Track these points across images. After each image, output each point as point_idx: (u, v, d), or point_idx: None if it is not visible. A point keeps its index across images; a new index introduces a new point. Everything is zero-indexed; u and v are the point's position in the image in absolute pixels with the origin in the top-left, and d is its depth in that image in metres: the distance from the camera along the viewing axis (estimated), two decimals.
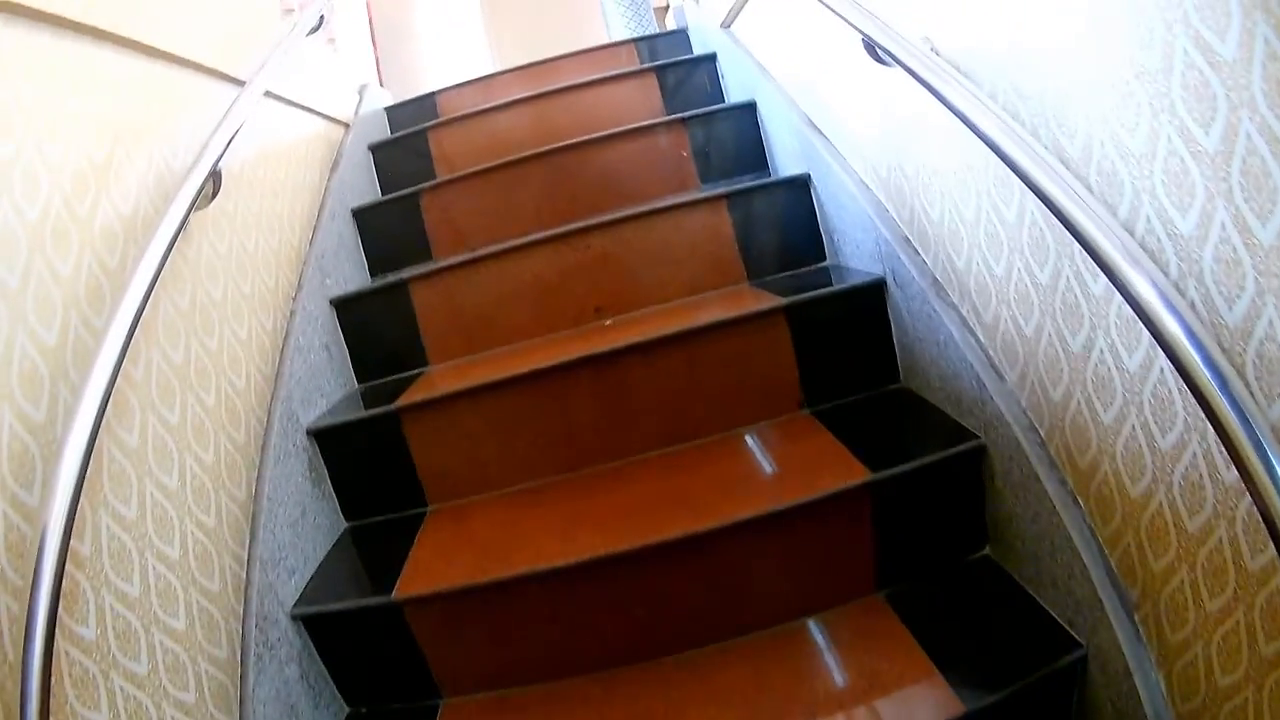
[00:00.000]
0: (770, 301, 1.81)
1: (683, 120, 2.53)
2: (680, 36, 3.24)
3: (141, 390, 1.23)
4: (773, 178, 2.33)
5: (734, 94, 2.76)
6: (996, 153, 1.02)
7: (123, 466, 1.14)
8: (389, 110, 3.22)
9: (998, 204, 1.25)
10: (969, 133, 1.07)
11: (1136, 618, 1.13)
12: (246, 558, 1.41)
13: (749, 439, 1.75)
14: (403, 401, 1.76)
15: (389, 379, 2.13)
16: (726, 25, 2.72)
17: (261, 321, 1.71)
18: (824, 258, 2.14)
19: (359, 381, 2.13)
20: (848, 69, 1.74)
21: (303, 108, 2.34)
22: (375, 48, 5.87)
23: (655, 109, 2.86)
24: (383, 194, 2.79)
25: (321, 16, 2.30)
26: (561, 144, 2.48)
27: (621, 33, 5.80)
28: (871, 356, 1.80)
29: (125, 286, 1.12)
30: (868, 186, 1.80)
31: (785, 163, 2.36)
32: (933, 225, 1.51)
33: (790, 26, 2.12)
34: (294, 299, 1.90)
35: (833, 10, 1.39)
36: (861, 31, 1.33)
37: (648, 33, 5.74)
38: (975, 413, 1.44)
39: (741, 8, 2.53)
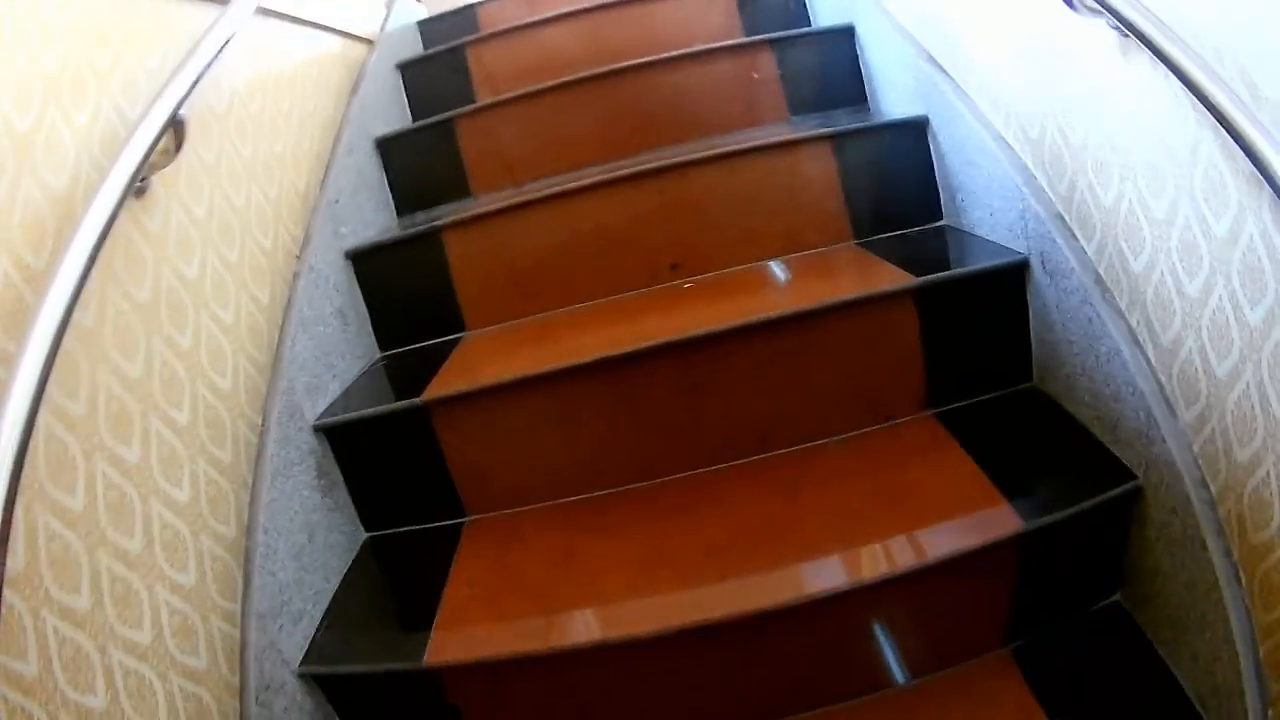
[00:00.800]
0: (896, 278, 1.47)
1: (769, 42, 2.10)
2: None
3: (84, 428, 0.89)
4: (885, 118, 1.90)
5: (823, 16, 2.32)
6: (1234, 138, 0.80)
7: (66, 541, 0.82)
8: (422, 25, 2.80)
9: (1204, 211, 0.98)
10: (1181, 104, 0.89)
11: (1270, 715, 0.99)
12: (240, 613, 1.09)
13: (863, 448, 1.41)
14: (435, 393, 1.41)
15: (419, 346, 1.79)
16: None
17: (255, 295, 1.35)
18: (939, 215, 1.78)
19: (381, 349, 1.79)
20: None
21: (312, 24, 1.92)
22: None
23: (730, 28, 2.41)
24: (414, 120, 2.40)
25: None
26: (624, 64, 2.07)
27: None
28: (1005, 350, 1.48)
29: (44, 294, 0.78)
30: (1009, 144, 1.47)
31: (892, 100, 1.97)
32: (1102, 211, 1.22)
33: None
34: (299, 258, 1.54)
35: None
36: None
37: None
38: (1135, 446, 1.19)
39: None
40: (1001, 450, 1.32)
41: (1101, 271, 1.25)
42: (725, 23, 2.42)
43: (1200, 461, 1.08)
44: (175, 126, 1.09)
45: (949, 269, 1.47)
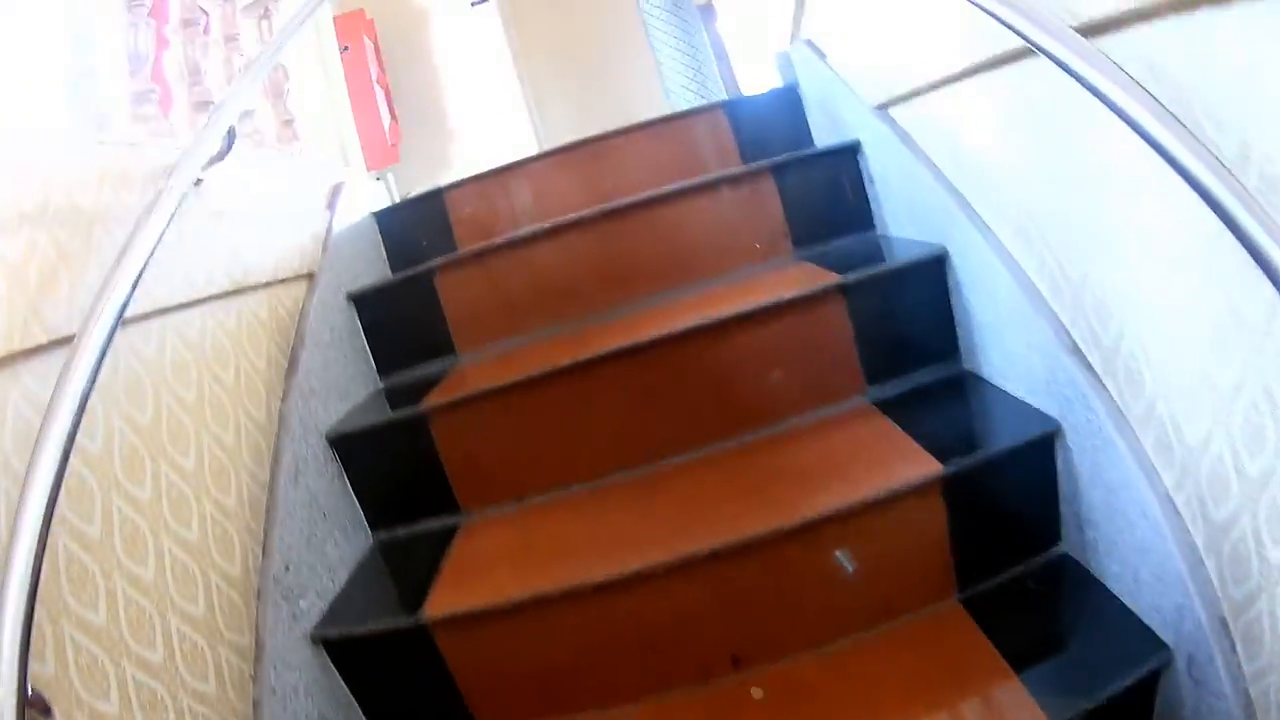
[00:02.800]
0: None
1: (841, 289, 1.66)
2: (786, 101, 2.29)
3: None
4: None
5: (891, 211, 1.94)
6: None
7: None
8: (381, 220, 2.28)
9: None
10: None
11: None
12: None
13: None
14: None
15: None
16: (886, 107, 1.79)
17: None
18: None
19: None
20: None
21: (210, 299, 1.50)
22: (389, 109, 5.00)
23: (776, 235, 1.93)
24: (380, 377, 1.90)
25: (231, 132, 1.44)
26: (661, 335, 1.59)
27: (684, 98, 4.97)
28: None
29: None
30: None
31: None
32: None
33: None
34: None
35: None
36: None
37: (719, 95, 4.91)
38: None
39: (922, 91, 1.62)
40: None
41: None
42: (770, 228, 2.01)
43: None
44: None
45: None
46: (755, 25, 6.61)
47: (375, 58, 5.27)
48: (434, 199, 2.30)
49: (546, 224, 1.94)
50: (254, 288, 1.66)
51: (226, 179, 1.49)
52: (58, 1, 1.61)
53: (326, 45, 2.75)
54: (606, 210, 1.93)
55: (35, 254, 1.02)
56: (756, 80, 6.50)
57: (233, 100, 1.45)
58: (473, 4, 5.57)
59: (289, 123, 2.22)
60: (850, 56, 1.98)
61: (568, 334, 1.90)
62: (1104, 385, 1.21)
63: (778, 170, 1.98)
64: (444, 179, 5.36)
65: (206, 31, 1.93)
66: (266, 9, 2.26)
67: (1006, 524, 1.36)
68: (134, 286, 1.03)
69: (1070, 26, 0.91)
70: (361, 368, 1.95)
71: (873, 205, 2.00)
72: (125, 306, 1.00)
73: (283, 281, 1.80)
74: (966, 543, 1.32)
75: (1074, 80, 0.88)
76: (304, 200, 2.05)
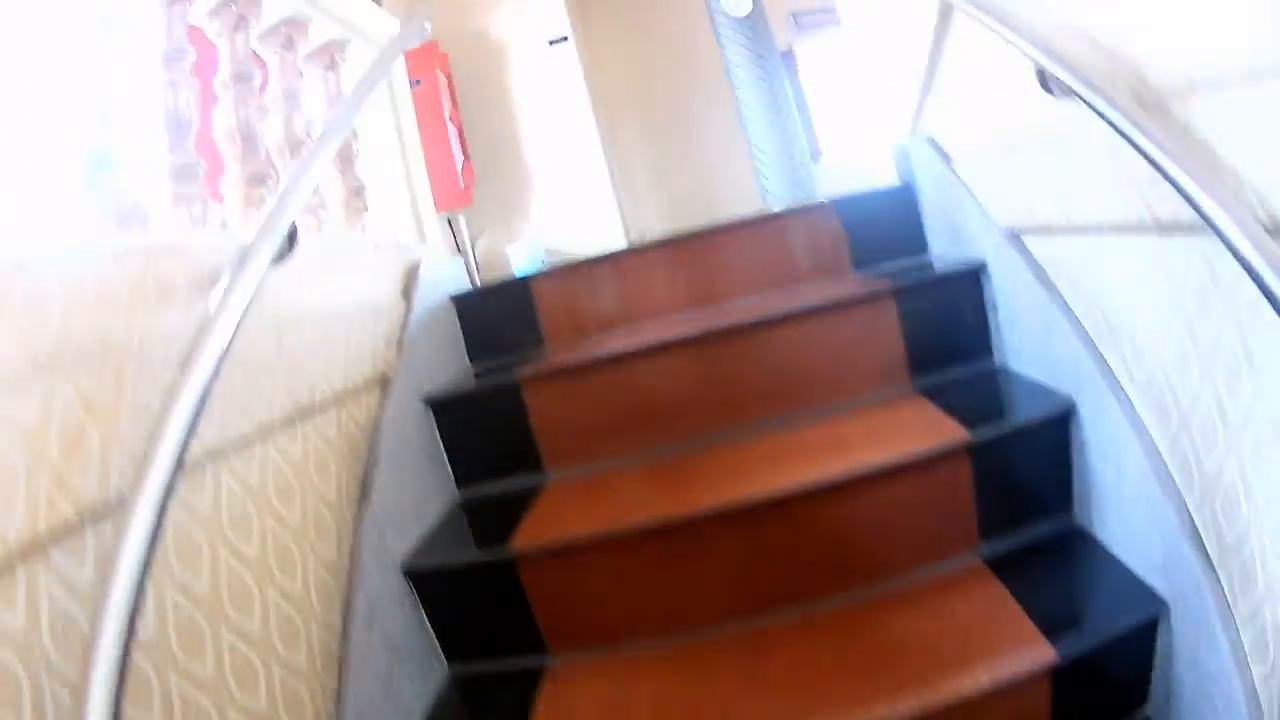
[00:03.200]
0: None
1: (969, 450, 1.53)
2: (902, 201, 2.13)
3: None
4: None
5: (1012, 343, 1.77)
6: None
7: None
8: (460, 305, 2.16)
9: None
10: None
11: None
12: None
13: None
14: None
15: None
16: (1020, 234, 1.64)
17: None
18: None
19: None
20: None
21: (271, 430, 1.35)
22: (462, 148, 4.93)
23: (893, 362, 1.79)
24: (458, 487, 1.82)
25: (294, 229, 1.24)
26: (774, 495, 1.46)
27: (777, 189, 4.86)
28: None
29: None
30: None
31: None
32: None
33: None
34: None
35: None
36: None
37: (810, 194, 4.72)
38: None
39: (1063, 230, 1.50)
40: None
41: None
42: (888, 350, 1.85)
43: None
44: None
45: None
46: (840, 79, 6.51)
47: (449, 94, 5.19)
48: (520, 286, 2.18)
49: (647, 341, 1.81)
50: (321, 406, 1.50)
51: (287, 276, 1.27)
52: (73, 56, 1.27)
53: (399, 94, 2.48)
54: (712, 331, 1.79)
55: (56, 412, 0.87)
56: (839, 133, 6.41)
57: (298, 184, 1.28)
58: (551, 42, 5.49)
59: (359, 192, 2.07)
60: (980, 167, 1.82)
61: (668, 458, 1.78)
62: (1218, 578, 1.18)
63: (900, 294, 1.83)
64: (517, 225, 5.38)
65: (263, 90, 1.79)
66: (333, 58, 2.11)
67: (1103, 694, 1.32)
68: (185, 442, 0.86)
69: (1259, 222, 0.85)
70: (438, 477, 1.83)
71: (992, 332, 1.85)
72: (177, 470, 0.84)
73: (353, 392, 1.65)
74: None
75: (1253, 281, 0.82)
76: (376, 287, 1.90)
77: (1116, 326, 1.39)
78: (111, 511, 0.92)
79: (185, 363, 0.93)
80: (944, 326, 1.85)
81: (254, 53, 1.75)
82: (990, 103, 1.67)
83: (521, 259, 5.15)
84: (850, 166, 6.30)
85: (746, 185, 5.48)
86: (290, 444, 1.38)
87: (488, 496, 1.84)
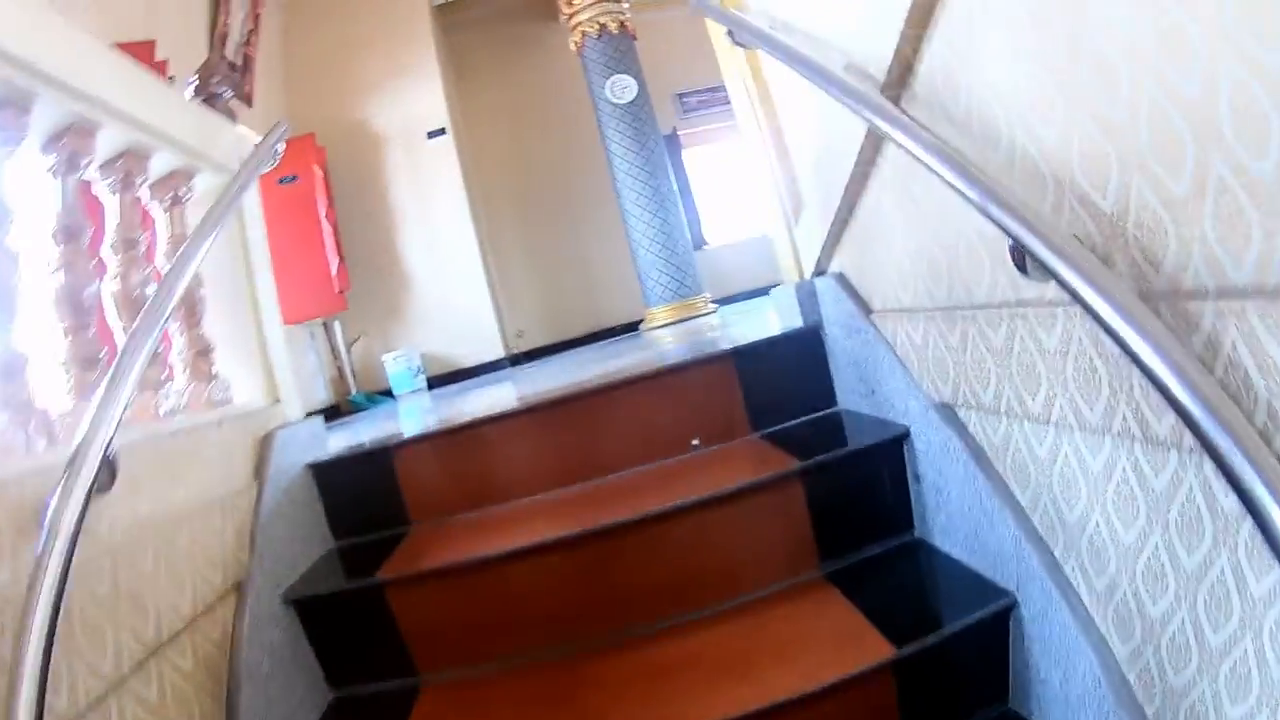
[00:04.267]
0: None
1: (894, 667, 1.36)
2: (807, 350, 1.96)
3: None
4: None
5: (937, 519, 1.62)
6: None
7: None
8: (319, 475, 1.88)
9: None
10: None
11: None
12: None
13: None
14: None
15: None
16: (955, 407, 1.50)
17: None
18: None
19: None
20: None
21: (116, 686, 1.15)
22: (337, 249, 4.60)
23: (800, 549, 1.64)
24: (330, 688, 1.62)
25: (112, 463, 1.14)
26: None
27: (657, 284, 4.89)
28: None
29: None
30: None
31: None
32: None
33: None
34: None
35: None
36: None
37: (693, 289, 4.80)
38: None
39: (1015, 414, 1.33)
40: None
41: None
42: (796, 545, 1.65)
43: None
44: None
45: None
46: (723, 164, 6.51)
47: (324, 190, 4.87)
48: (382, 457, 1.90)
49: (519, 543, 1.57)
50: (171, 637, 1.29)
51: (115, 499, 1.16)
52: None
53: (250, 221, 2.03)
54: (592, 531, 1.56)
55: None
56: (724, 214, 6.38)
57: (117, 393, 1.12)
58: (430, 134, 5.28)
59: (205, 354, 1.78)
60: (908, 325, 1.59)
61: (550, 664, 1.55)
62: None
63: (808, 475, 1.64)
64: (394, 329, 5.05)
65: (95, 245, 1.48)
66: (176, 193, 1.79)
67: None
68: None
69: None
70: (308, 680, 1.58)
71: (914, 505, 1.70)
72: None
73: (205, 611, 1.41)
74: None
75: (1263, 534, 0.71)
76: (224, 472, 1.63)
77: (1072, 525, 1.25)
78: None
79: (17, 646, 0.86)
80: (857, 502, 1.68)
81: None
82: (929, 258, 1.46)
83: (398, 368, 4.84)
84: (734, 251, 6.32)
85: (629, 280, 5.36)
86: (145, 688, 1.22)
87: (363, 696, 1.60)
